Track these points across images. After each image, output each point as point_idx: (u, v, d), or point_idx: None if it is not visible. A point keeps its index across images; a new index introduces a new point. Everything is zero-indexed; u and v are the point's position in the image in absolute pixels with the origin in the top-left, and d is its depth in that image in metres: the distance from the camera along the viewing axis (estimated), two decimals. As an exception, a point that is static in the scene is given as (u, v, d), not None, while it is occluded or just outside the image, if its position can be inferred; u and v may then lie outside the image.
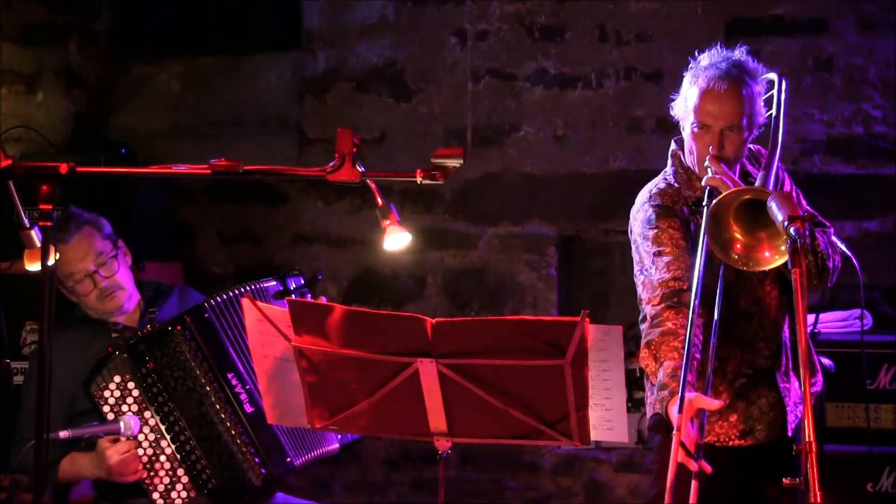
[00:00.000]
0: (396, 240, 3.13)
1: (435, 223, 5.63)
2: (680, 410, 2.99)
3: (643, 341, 3.37)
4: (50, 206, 2.91)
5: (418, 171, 2.93)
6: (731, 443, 3.51)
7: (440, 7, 5.61)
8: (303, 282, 3.91)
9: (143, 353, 3.74)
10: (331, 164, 2.93)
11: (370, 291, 5.67)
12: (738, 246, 3.18)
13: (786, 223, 2.93)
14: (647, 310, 3.39)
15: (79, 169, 2.95)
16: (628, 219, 3.59)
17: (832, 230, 3.51)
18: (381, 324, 2.86)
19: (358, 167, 2.92)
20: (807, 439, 2.75)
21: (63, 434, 3.53)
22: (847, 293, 4.95)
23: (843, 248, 3.38)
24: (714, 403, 3.14)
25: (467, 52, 5.59)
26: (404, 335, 2.79)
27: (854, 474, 4.45)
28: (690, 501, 3.04)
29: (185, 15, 5.96)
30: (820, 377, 3.68)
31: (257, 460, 3.75)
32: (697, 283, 3.16)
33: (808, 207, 3.52)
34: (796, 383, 3.58)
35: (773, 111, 3.53)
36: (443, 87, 5.62)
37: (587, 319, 2.72)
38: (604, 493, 5.42)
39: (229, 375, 3.75)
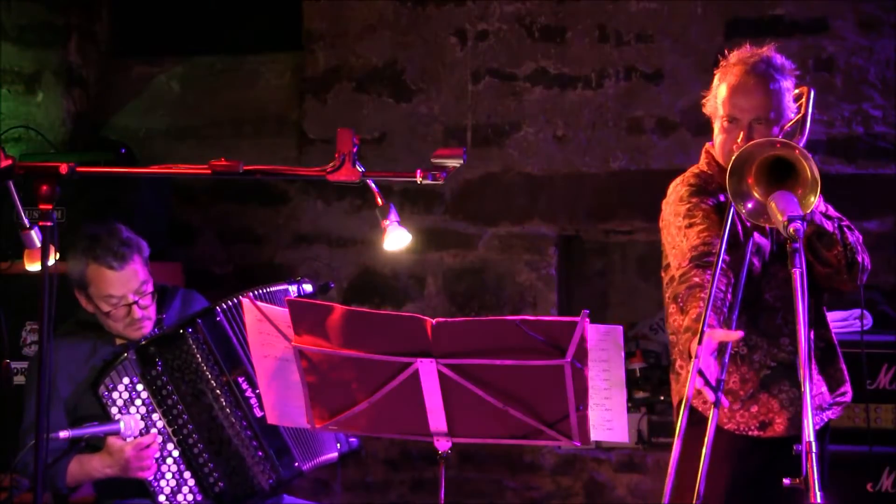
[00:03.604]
0: (396, 240, 3.13)
1: (435, 223, 5.63)
2: (700, 342, 3.00)
3: (669, 297, 3.41)
4: (50, 206, 2.92)
5: (418, 171, 2.94)
6: (750, 433, 3.53)
7: (440, 7, 5.61)
8: (312, 290, 3.90)
9: (153, 356, 3.73)
10: (331, 164, 2.94)
11: (370, 291, 5.68)
12: (751, 205, 3.20)
13: (786, 223, 2.95)
14: (677, 274, 3.39)
15: (79, 169, 2.95)
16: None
17: (859, 235, 3.55)
18: (381, 324, 2.86)
19: (358, 167, 2.93)
20: (807, 439, 2.76)
21: (63, 434, 3.53)
22: (847, 293, 4.95)
23: (844, 247, 3.40)
24: (734, 334, 3.14)
25: (467, 52, 5.59)
26: (404, 335, 2.79)
27: (854, 474, 4.45)
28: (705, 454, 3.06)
29: (185, 15, 5.96)
30: (848, 388, 3.70)
31: (267, 464, 3.75)
32: (722, 247, 3.20)
33: (835, 213, 3.56)
34: (822, 387, 3.61)
35: (803, 112, 3.55)
36: (443, 87, 5.62)
37: (587, 319, 2.72)
38: (604, 493, 5.42)
39: (240, 379, 3.74)
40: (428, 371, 2.80)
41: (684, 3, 5.40)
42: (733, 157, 3.23)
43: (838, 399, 3.65)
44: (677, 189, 3.58)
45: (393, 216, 3.12)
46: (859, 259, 3.53)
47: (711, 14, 5.37)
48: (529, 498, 5.53)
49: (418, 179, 2.92)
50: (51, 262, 2.95)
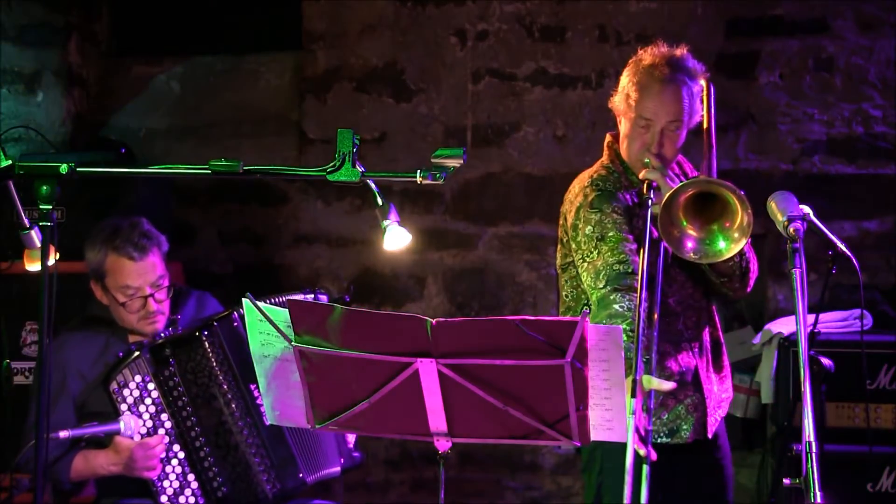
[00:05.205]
0: (396, 240, 3.13)
1: (435, 223, 5.63)
2: (633, 395, 3.01)
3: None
4: (50, 206, 2.91)
5: (418, 171, 2.93)
6: (658, 440, 3.54)
7: (440, 7, 5.61)
8: (326, 300, 3.89)
9: (167, 356, 3.72)
10: (331, 164, 2.94)
11: (370, 291, 5.67)
12: (690, 244, 3.24)
13: (786, 223, 2.95)
14: (594, 295, 3.41)
15: (79, 169, 2.95)
16: None
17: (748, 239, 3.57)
18: (380, 324, 2.86)
19: (358, 167, 2.93)
20: (807, 439, 2.76)
21: (63, 434, 3.53)
22: (847, 293, 4.96)
23: (843, 247, 3.41)
24: (666, 385, 3.17)
25: (467, 52, 5.59)
26: (404, 335, 2.79)
27: (854, 474, 4.45)
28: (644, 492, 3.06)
29: (185, 15, 5.96)
30: (731, 383, 3.75)
31: (272, 473, 3.75)
32: (643, 273, 3.19)
33: None
34: (715, 387, 3.64)
35: (705, 113, 3.57)
36: (443, 87, 5.62)
37: (587, 319, 2.72)
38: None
39: (252, 386, 3.73)
40: (428, 371, 2.79)
41: (684, 3, 5.40)
42: (661, 207, 3.24)
43: (724, 395, 3.69)
44: (585, 192, 3.56)
45: (393, 216, 3.11)
46: (751, 267, 3.56)
47: (711, 14, 5.37)
48: (529, 498, 5.53)
49: (418, 179, 2.92)
50: (51, 262, 2.95)
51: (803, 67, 5.32)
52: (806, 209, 3.10)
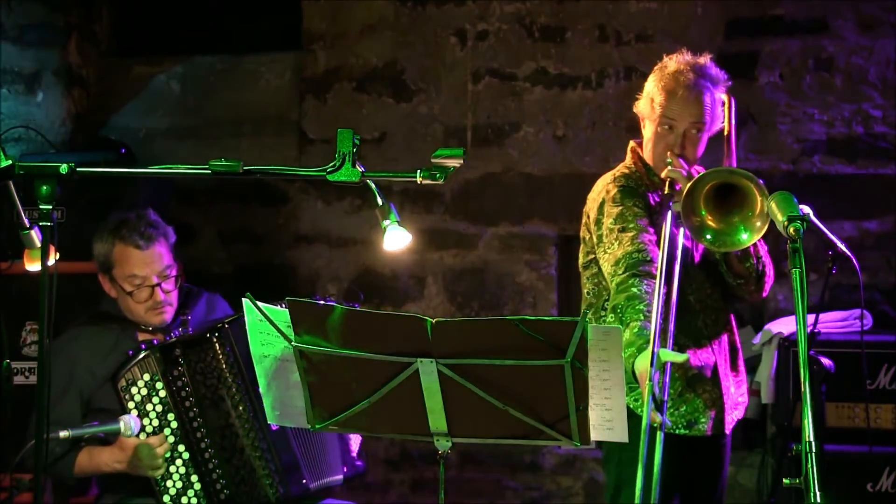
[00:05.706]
0: (396, 240, 3.13)
1: (435, 223, 5.63)
2: (652, 364, 3.10)
3: (609, 307, 3.51)
4: (50, 206, 2.91)
5: (418, 171, 2.94)
6: (676, 431, 3.61)
7: (440, 7, 5.61)
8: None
9: (177, 357, 3.72)
10: (331, 164, 2.94)
11: (370, 291, 5.67)
12: (710, 235, 3.36)
13: (786, 223, 2.96)
14: (612, 281, 3.51)
15: (79, 169, 2.95)
16: None
17: (766, 245, 3.65)
18: (380, 324, 2.86)
19: (358, 167, 2.93)
20: (807, 439, 2.75)
21: (63, 434, 3.53)
22: (847, 293, 4.96)
23: (843, 247, 3.41)
24: (681, 356, 3.22)
25: (467, 52, 5.59)
26: (404, 335, 2.79)
27: (854, 474, 4.45)
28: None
29: (185, 15, 5.96)
30: (746, 388, 3.83)
31: (276, 478, 3.74)
32: (662, 264, 3.29)
33: None
34: (732, 387, 3.72)
35: (726, 122, 3.72)
36: (443, 87, 5.62)
37: (587, 319, 2.72)
38: (604, 493, 5.41)
39: (259, 390, 3.73)
40: (428, 371, 2.80)
41: (684, 3, 5.40)
42: (683, 191, 3.35)
43: (739, 399, 3.77)
44: (608, 188, 3.67)
45: (393, 216, 3.11)
46: (768, 271, 3.66)
47: (711, 14, 5.37)
48: (529, 498, 5.53)
49: (418, 179, 2.92)
50: (51, 262, 2.95)
51: (803, 67, 5.31)
52: (806, 209, 3.11)
